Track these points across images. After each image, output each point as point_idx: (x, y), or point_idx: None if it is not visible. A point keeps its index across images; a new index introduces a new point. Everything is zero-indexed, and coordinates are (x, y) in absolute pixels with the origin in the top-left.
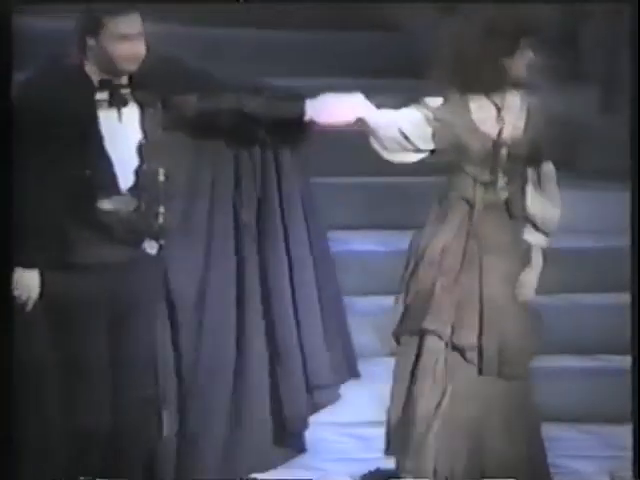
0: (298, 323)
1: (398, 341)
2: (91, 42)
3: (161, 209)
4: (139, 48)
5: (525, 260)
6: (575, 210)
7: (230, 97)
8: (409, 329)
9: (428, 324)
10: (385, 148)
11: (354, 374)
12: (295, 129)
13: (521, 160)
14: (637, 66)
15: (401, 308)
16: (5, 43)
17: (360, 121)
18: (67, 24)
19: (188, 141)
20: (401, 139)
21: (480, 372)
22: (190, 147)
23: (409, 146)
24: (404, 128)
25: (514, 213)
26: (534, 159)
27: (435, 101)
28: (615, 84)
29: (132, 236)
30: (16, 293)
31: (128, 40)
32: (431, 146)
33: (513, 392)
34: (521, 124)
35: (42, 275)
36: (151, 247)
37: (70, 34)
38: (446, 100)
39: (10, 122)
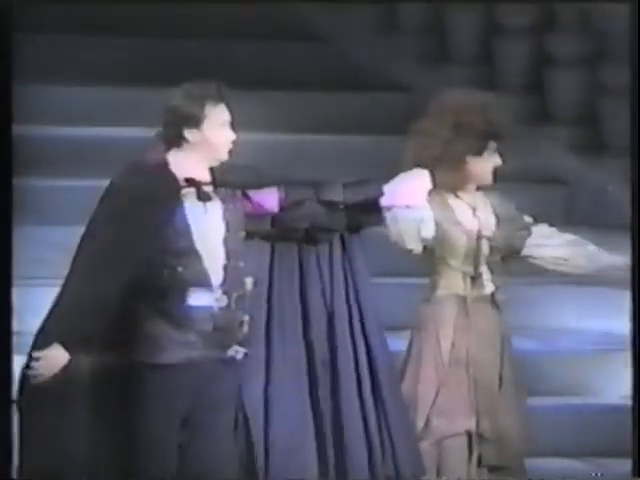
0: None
1: None
2: (191, 135)
3: (246, 317)
4: (233, 135)
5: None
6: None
7: (308, 188)
8: (440, 433)
9: (469, 423)
10: (406, 231)
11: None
12: (371, 213)
13: (501, 253)
14: (637, 66)
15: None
16: (5, 42)
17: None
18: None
19: (263, 243)
20: (419, 223)
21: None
22: (264, 249)
23: (421, 233)
24: (423, 213)
25: (499, 305)
26: (513, 250)
27: None
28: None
29: (220, 335)
30: (35, 366)
31: (227, 127)
32: (431, 235)
33: None
34: (493, 221)
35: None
36: (237, 352)
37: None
38: (430, 197)
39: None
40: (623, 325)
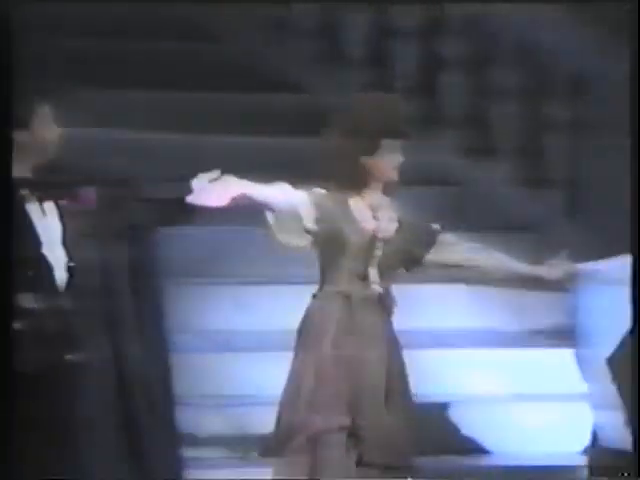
0: None
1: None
2: (21, 135)
3: (79, 319)
4: (61, 131)
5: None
6: None
7: (125, 185)
8: (314, 429)
9: (345, 421)
10: (281, 225)
11: None
12: (183, 211)
13: (395, 257)
14: (637, 68)
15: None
16: (5, 44)
17: (246, 198)
18: None
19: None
20: (295, 214)
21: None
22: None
23: (301, 224)
24: (296, 204)
25: (387, 307)
26: (413, 256)
27: (319, 191)
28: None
29: (66, 338)
30: None
31: (54, 125)
32: (312, 228)
33: None
34: (394, 226)
35: None
36: (79, 356)
37: None
38: (328, 192)
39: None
40: (505, 324)
